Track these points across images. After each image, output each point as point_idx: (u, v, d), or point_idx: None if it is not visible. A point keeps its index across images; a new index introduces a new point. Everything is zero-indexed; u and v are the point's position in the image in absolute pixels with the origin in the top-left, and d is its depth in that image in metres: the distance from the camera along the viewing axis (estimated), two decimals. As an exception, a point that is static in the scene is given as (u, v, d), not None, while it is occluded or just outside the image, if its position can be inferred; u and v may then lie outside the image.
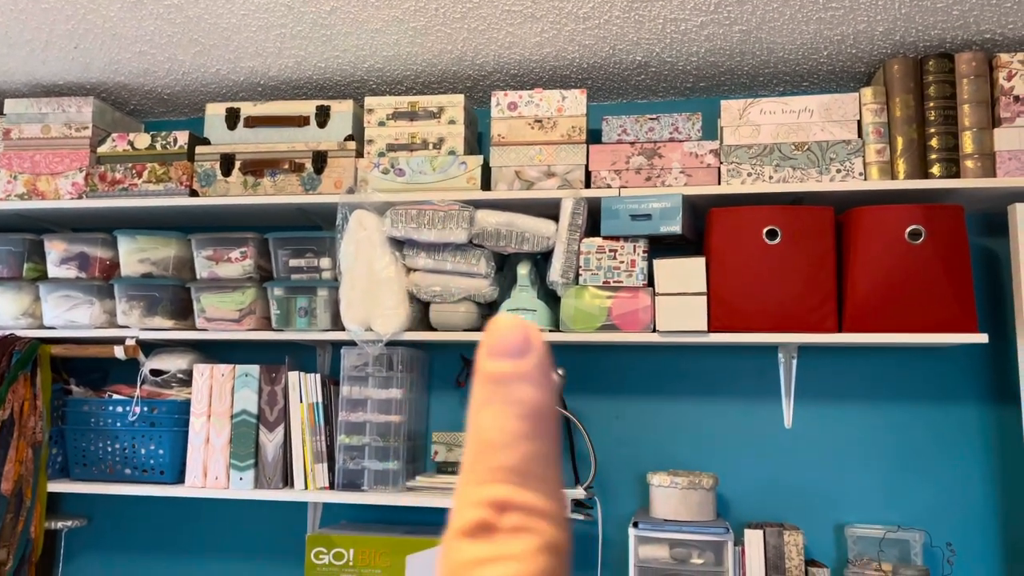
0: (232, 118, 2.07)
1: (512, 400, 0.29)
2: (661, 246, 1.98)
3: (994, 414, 1.89)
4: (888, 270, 1.71)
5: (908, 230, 1.70)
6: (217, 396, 1.97)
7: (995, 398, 1.90)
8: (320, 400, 1.95)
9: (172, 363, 2.05)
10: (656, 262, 1.81)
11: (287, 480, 1.95)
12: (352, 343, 1.93)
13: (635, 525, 1.79)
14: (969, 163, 1.74)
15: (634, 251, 1.83)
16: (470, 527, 0.27)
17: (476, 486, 0.28)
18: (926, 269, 1.69)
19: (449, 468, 1.94)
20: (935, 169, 1.75)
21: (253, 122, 2.06)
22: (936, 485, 1.90)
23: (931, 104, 1.77)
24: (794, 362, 1.98)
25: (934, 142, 1.76)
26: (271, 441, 1.94)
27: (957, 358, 1.92)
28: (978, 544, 1.86)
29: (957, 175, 1.75)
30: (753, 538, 1.79)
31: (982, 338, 1.67)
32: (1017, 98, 1.73)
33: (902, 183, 1.75)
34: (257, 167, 2.00)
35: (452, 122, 1.96)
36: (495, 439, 0.28)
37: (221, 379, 1.97)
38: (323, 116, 2.02)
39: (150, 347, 2.13)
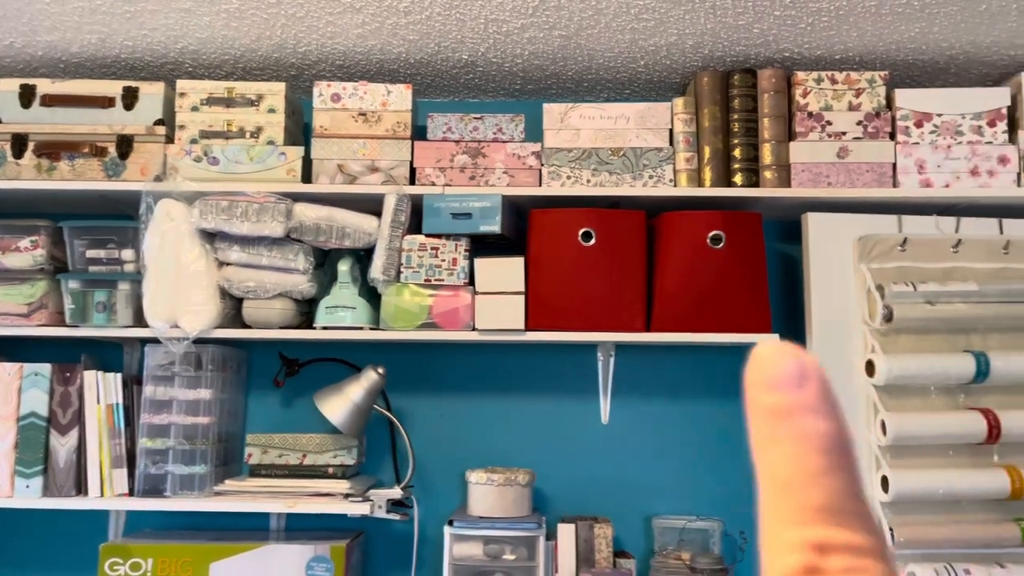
0: (27, 95, 1.90)
1: (803, 434, 0.27)
2: (486, 245, 1.99)
3: (787, 409, 2.03)
4: (692, 273, 1.79)
5: (710, 235, 1.79)
6: (2, 397, 1.80)
7: (790, 394, 2.03)
8: (121, 401, 1.82)
9: (-50, 362, 1.86)
10: (476, 261, 1.82)
11: (81, 487, 1.81)
12: (157, 341, 1.82)
13: (450, 523, 1.78)
14: (768, 173, 1.85)
15: (456, 249, 1.82)
16: (797, 572, 0.26)
17: (789, 528, 0.27)
18: (726, 273, 1.79)
19: (263, 471, 1.86)
20: (737, 178, 1.85)
21: (51, 101, 1.90)
22: (736, 476, 2.01)
23: (735, 116, 1.87)
24: (612, 360, 2.05)
25: (737, 152, 1.86)
26: (63, 446, 1.80)
27: (757, 357, 2.04)
28: (771, 531, 1.99)
29: (757, 184, 1.85)
30: (565, 532, 1.83)
31: (773, 338, 1.78)
32: (811, 114, 1.86)
33: (708, 190, 1.84)
34: (53, 150, 1.85)
35: (272, 111, 1.89)
36: (795, 478, 0.27)
37: (7, 379, 1.81)
38: (130, 98, 1.89)
39: (-74, 344, 1.92)
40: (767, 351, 0.29)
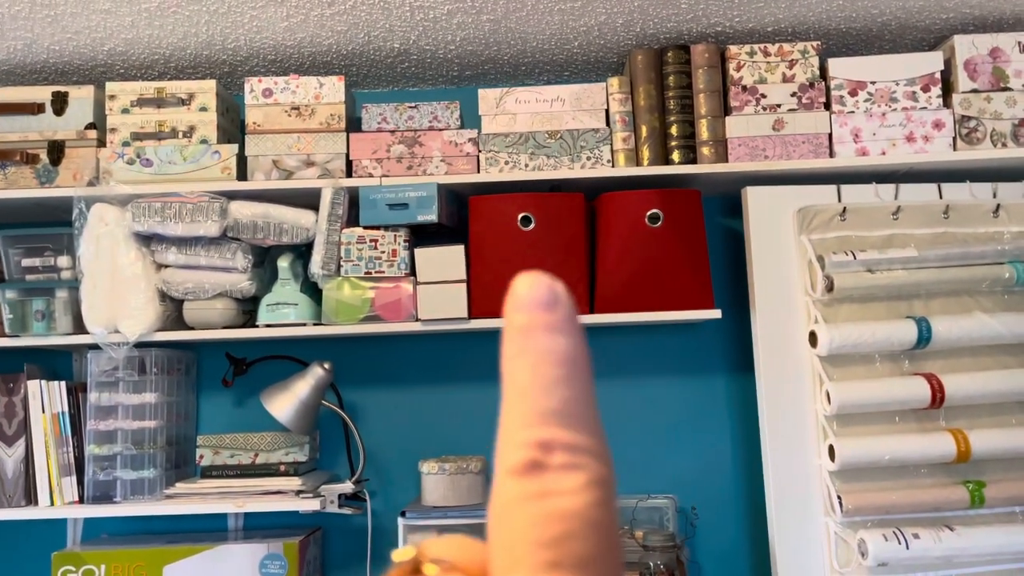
0: (-46, 105, 1.87)
1: (547, 349, 0.30)
2: (430, 234, 1.98)
3: (735, 383, 2.04)
4: (632, 253, 1.79)
5: (647, 214, 1.78)
6: (-55, 412, 1.79)
7: (736, 369, 2.04)
8: (66, 409, 1.82)
9: None
10: (417, 251, 1.81)
11: (30, 497, 1.80)
12: (99, 347, 1.81)
13: (402, 515, 1.79)
14: (705, 149, 1.85)
15: (395, 240, 1.81)
16: (520, 466, 0.28)
17: (520, 429, 0.29)
18: (665, 250, 1.78)
19: (215, 472, 1.86)
20: (675, 155, 1.85)
21: (-21, 109, 1.87)
22: (688, 452, 2.02)
23: (670, 93, 1.86)
24: (563, 344, 2.04)
25: (674, 130, 1.85)
26: (10, 456, 1.79)
27: (704, 333, 2.05)
28: (724, 505, 2.00)
29: (694, 161, 1.85)
30: (518, 518, 1.83)
31: (716, 314, 1.78)
32: (745, 88, 1.85)
33: (646, 169, 1.84)
34: (-17, 159, 1.82)
35: (203, 109, 1.87)
36: (535, 385, 0.30)
37: (-51, 393, 1.79)
38: (60, 103, 1.87)
39: None
40: (525, 279, 0.32)
